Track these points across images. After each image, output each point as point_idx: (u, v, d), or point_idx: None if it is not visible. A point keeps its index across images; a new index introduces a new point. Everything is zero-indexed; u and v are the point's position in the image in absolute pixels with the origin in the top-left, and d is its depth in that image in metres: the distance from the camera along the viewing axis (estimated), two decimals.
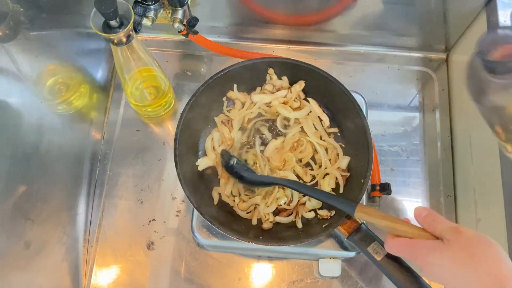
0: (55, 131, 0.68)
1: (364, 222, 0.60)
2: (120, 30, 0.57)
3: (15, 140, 0.57)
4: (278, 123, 0.70)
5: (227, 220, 0.65)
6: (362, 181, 0.62)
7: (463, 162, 0.76)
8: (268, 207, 0.65)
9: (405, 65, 0.86)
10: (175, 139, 0.63)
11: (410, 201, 0.76)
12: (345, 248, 0.65)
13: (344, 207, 0.58)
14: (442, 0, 0.73)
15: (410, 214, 0.75)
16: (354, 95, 0.66)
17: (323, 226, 0.62)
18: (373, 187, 0.71)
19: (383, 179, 0.73)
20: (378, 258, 0.56)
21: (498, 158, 0.63)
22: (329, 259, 0.67)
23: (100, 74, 0.82)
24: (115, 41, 0.59)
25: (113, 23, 0.56)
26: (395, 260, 0.55)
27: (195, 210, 0.66)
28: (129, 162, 0.79)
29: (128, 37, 0.60)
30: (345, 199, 0.61)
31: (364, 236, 0.59)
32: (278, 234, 0.64)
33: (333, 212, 0.64)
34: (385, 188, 0.70)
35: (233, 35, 0.87)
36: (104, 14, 0.53)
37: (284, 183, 0.64)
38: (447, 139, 0.80)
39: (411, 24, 0.80)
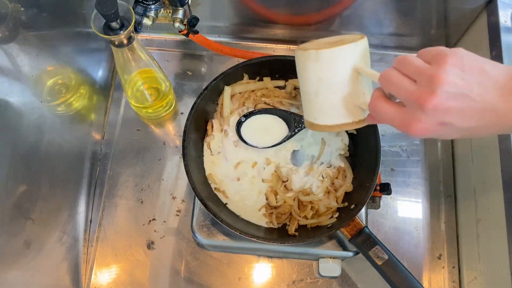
0: (55, 130, 0.68)
1: (367, 225, 0.60)
2: (121, 32, 0.56)
3: (15, 139, 0.57)
4: None
5: (231, 219, 0.64)
6: (368, 184, 0.62)
7: (463, 162, 0.76)
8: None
9: None
10: (185, 131, 0.63)
11: (410, 201, 0.76)
12: (345, 248, 0.65)
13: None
14: (443, 0, 0.73)
15: (410, 215, 0.75)
16: None
17: (326, 227, 0.62)
18: None
19: (383, 179, 0.73)
20: (379, 262, 0.57)
21: (498, 158, 0.63)
22: (329, 259, 0.67)
23: (100, 73, 0.82)
24: (116, 42, 0.59)
25: (114, 24, 0.56)
26: (396, 266, 0.55)
27: (195, 210, 0.67)
28: (129, 161, 0.79)
29: (129, 38, 0.60)
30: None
31: (366, 240, 0.59)
32: (281, 232, 0.64)
33: (337, 214, 0.64)
34: (385, 188, 0.70)
35: (234, 34, 0.87)
36: (105, 16, 0.53)
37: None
38: (448, 139, 0.80)
39: (412, 24, 0.80)
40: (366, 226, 0.60)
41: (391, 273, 0.56)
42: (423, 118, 0.39)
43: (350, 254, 0.64)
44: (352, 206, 0.63)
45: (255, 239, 0.59)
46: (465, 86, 0.38)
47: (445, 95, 0.38)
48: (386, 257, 0.57)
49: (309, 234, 0.62)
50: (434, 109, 0.38)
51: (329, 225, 0.63)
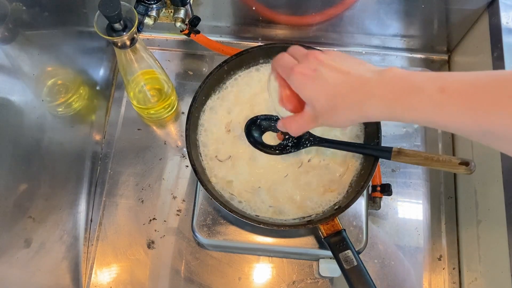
0: (56, 129, 0.68)
1: (345, 229, 0.60)
2: (124, 33, 0.56)
3: (16, 138, 0.57)
4: None
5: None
6: (357, 190, 0.62)
7: None
8: None
9: (407, 66, 0.86)
10: (188, 118, 0.64)
11: (411, 202, 0.76)
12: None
13: (380, 154, 0.60)
14: (444, 1, 0.73)
15: (411, 216, 0.75)
16: None
17: (306, 220, 0.63)
18: (373, 187, 0.71)
19: (384, 180, 0.73)
20: (347, 267, 0.57)
21: (499, 159, 0.63)
22: (329, 259, 0.67)
23: (101, 72, 0.82)
24: (119, 44, 0.59)
25: (117, 26, 0.55)
26: (362, 274, 0.56)
27: (195, 210, 0.67)
28: (130, 161, 0.79)
29: (132, 40, 0.60)
30: (379, 147, 0.62)
31: (340, 242, 0.59)
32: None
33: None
34: (386, 189, 0.70)
35: (235, 34, 0.87)
36: (108, 17, 0.53)
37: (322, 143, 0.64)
38: (448, 140, 0.80)
39: (413, 25, 0.80)
40: (344, 230, 0.60)
41: (355, 280, 0.56)
42: (302, 64, 0.46)
43: None
44: (336, 207, 0.63)
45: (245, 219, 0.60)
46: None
47: (323, 55, 0.46)
48: (355, 263, 0.57)
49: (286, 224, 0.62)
50: (314, 57, 0.46)
51: (309, 219, 0.63)
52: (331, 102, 0.45)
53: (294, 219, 0.63)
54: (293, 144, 0.65)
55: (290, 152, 0.65)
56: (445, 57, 0.86)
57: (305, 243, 0.66)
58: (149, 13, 0.68)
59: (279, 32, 0.84)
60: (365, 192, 0.66)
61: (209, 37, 0.77)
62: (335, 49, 0.87)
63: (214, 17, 0.82)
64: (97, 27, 0.55)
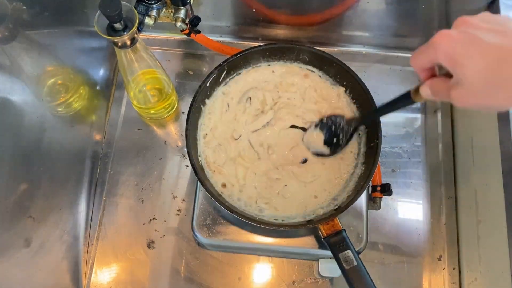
0: (56, 129, 0.68)
1: (345, 229, 0.60)
2: (125, 33, 0.56)
3: (16, 138, 0.57)
4: None
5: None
6: (357, 190, 0.62)
7: (464, 163, 0.76)
8: None
9: (407, 66, 0.86)
10: (188, 118, 0.64)
11: (411, 203, 0.76)
12: None
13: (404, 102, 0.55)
14: (444, 1, 0.72)
15: (411, 216, 0.75)
16: None
17: (306, 220, 0.63)
18: (374, 188, 0.71)
19: (384, 180, 0.73)
20: (347, 267, 0.57)
21: (499, 159, 0.63)
22: (329, 259, 0.67)
23: (102, 72, 0.82)
24: (119, 44, 0.59)
25: (117, 26, 0.55)
26: (362, 274, 0.56)
27: (195, 209, 0.67)
28: (130, 160, 0.79)
29: (133, 39, 0.60)
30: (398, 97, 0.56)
31: (340, 242, 0.59)
32: None
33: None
34: (386, 189, 0.70)
35: (235, 34, 0.87)
36: (108, 17, 0.53)
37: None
38: (449, 140, 0.80)
39: (414, 25, 0.80)
40: (344, 230, 0.60)
41: (355, 280, 0.56)
42: (450, 30, 0.39)
43: None
44: (336, 207, 0.63)
45: (244, 219, 0.59)
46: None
47: (476, 19, 0.39)
48: (355, 263, 0.57)
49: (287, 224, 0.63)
50: (463, 21, 0.39)
51: (309, 218, 0.63)
52: (492, 69, 0.35)
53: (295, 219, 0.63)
54: (340, 139, 0.65)
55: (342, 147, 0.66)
56: None
57: (305, 243, 0.66)
58: (149, 13, 0.68)
59: (279, 32, 0.84)
60: (365, 192, 0.66)
61: (209, 37, 0.77)
62: (335, 49, 0.87)
63: (214, 17, 0.82)
64: (97, 27, 0.55)
